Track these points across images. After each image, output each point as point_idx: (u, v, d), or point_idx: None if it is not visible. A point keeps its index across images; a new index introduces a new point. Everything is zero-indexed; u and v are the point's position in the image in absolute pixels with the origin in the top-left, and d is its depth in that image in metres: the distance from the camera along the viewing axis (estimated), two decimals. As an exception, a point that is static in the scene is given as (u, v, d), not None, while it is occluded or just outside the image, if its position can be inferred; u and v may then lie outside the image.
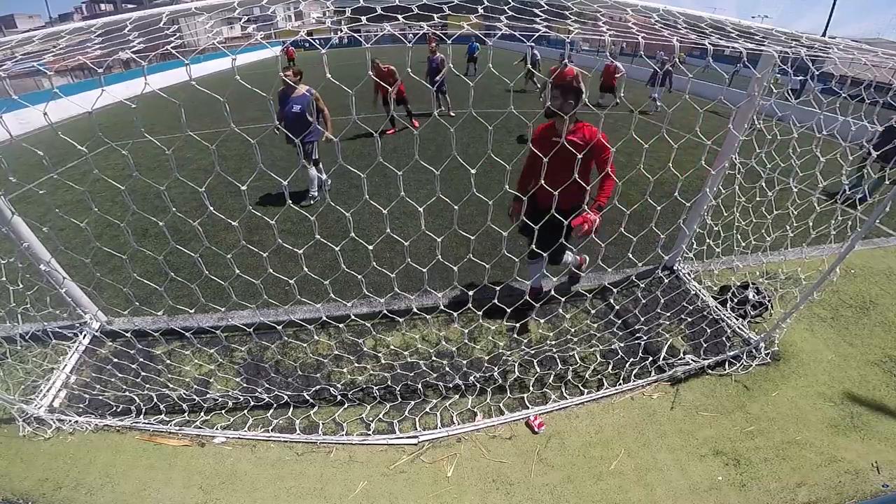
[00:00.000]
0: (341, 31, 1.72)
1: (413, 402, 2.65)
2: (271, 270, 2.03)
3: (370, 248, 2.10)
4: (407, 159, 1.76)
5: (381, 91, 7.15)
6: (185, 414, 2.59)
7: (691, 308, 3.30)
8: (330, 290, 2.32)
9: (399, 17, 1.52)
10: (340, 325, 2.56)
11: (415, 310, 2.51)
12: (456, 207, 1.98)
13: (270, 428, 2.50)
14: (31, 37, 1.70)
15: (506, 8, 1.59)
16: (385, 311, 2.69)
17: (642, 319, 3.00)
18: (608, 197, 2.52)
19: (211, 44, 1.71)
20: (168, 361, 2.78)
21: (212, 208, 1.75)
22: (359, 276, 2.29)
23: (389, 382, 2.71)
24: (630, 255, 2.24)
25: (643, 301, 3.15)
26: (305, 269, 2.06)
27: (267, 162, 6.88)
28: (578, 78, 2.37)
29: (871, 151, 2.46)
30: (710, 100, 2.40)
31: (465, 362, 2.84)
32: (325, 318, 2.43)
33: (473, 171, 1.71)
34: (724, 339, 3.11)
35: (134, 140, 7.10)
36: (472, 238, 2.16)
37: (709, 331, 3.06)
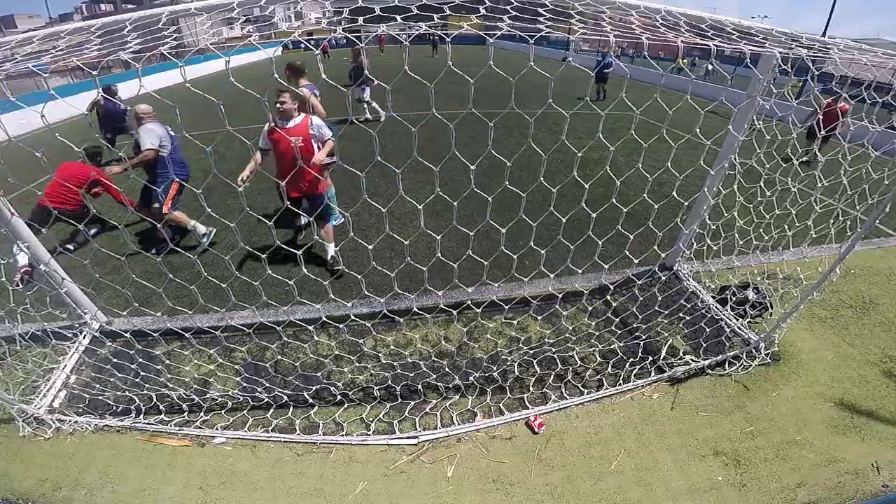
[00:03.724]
0: (338, 32, 1.71)
1: (413, 402, 2.65)
2: (270, 272, 2.03)
3: (370, 247, 2.11)
4: (406, 159, 1.76)
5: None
6: (185, 414, 2.59)
7: (690, 307, 3.30)
8: (329, 291, 2.32)
9: (397, 17, 1.52)
10: (340, 326, 2.56)
11: (415, 309, 2.51)
12: (455, 204, 1.98)
13: (270, 428, 2.50)
14: (31, 37, 1.70)
15: (508, 8, 1.59)
16: (385, 311, 2.69)
17: (640, 317, 3.00)
18: None
19: (206, 45, 1.70)
20: (168, 362, 2.78)
21: (209, 209, 1.75)
22: (359, 276, 2.29)
23: (390, 382, 2.70)
24: (630, 255, 2.24)
25: (642, 300, 3.15)
26: (305, 270, 2.06)
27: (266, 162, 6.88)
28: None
29: None
30: (709, 100, 2.40)
31: (464, 362, 2.84)
32: (324, 318, 2.43)
33: (473, 167, 1.71)
34: (723, 339, 3.11)
35: (128, 142, 7.06)
36: (472, 234, 2.16)
37: (708, 331, 3.06)
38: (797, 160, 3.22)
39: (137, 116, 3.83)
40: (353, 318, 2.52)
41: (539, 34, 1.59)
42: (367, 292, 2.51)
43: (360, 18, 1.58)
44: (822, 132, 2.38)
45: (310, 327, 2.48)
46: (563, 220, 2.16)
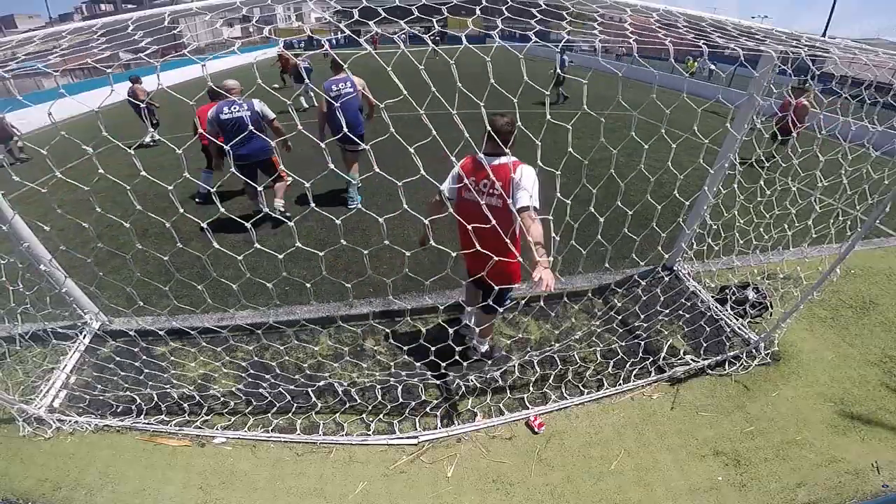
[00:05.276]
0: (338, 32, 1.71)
1: (413, 403, 2.65)
2: (285, 274, 2.03)
3: (383, 243, 2.11)
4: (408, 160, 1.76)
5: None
6: (185, 414, 2.59)
7: (690, 307, 3.30)
8: (330, 291, 2.32)
9: (399, 19, 1.52)
10: (341, 325, 2.56)
11: (415, 308, 2.51)
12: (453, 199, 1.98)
13: (270, 428, 2.50)
14: (32, 37, 1.70)
15: (503, 9, 1.59)
16: (384, 311, 2.69)
17: (642, 317, 2.99)
18: None
19: (225, 48, 1.69)
20: (169, 361, 2.78)
21: (223, 209, 1.74)
22: (359, 277, 2.29)
23: (391, 382, 2.70)
24: (634, 256, 2.23)
25: (643, 299, 3.15)
26: (325, 272, 2.05)
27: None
28: None
29: None
30: (708, 100, 2.40)
31: (465, 362, 2.83)
32: (328, 318, 2.43)
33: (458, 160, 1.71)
34: (723, 339, 3.11)
35: (136, 140, 7.08)
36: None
37: (708, 330, 3.06)
38: (792, 158, 3.22)
39: (226, 90, 3.92)
40: (353, 318, 2.52)
41: (534, 31, 1.59)
42: (367, 293, 2.51)
43: (361, 18, 1.58)
44: (776, 126, 2.39)
45: (315, 327, 2.48)
46: (562, 221, 2.16)
